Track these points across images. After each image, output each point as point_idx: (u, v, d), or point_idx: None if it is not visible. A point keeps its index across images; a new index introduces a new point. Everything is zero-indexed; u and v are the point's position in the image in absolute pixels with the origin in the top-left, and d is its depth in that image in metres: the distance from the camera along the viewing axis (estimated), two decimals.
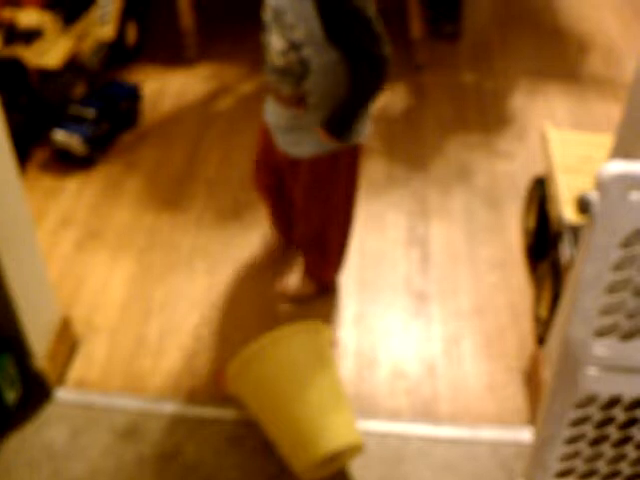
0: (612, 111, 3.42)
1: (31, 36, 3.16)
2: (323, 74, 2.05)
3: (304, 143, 2.21)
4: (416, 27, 3.64)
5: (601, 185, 1.32)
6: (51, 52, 3.18)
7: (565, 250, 2.15)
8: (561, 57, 3.86)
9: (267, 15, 2.04)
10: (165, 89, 3.57)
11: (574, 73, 3.72)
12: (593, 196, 1.35)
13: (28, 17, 3.18)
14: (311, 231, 2.44)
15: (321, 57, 2.02)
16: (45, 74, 3.19)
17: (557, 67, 3.77)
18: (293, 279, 2.63)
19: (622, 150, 1.53)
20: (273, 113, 2.24)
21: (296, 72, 2.05)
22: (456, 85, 3.60)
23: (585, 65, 3.79)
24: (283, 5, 1.97)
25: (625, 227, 1.32)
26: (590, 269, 1.37)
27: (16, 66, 3.15)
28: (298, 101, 2.11)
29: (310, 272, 2.57)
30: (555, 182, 2.31)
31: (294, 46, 1.99)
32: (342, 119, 2.12)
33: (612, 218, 1.32)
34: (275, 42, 2.02)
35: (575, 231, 2.10)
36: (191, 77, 3.65)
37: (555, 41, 3.99)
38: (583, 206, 1.36)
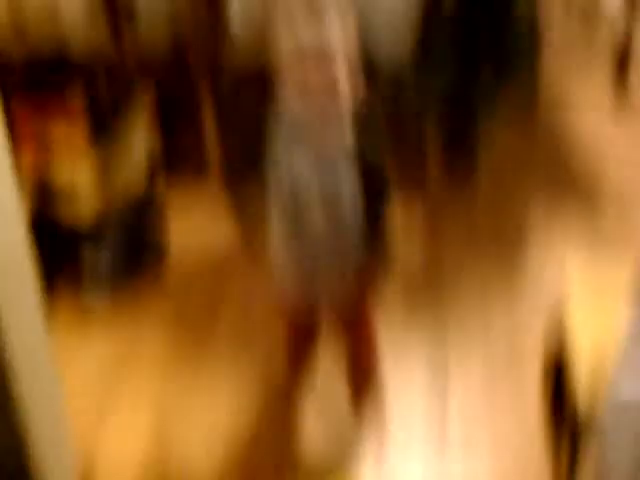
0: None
1: (64, 194, 3.29)
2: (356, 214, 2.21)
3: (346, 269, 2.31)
4: (433, 169, 3.75)
5: None
6: (83, 210, 3.29)
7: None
8: (572, 202, 3.93)
9: (305, 210, 2.18)
10: (190, 242, 3.66)
11: (587, 224, 3.79)
12: None
13: (62, 174, 3.30)
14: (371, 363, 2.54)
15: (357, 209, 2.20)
16: (77, 233, 3.28)
17: (570, 216, 3.84)
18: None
19: None
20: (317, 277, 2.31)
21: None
22: (473, 227, 3.69)
23: (598, 215, 3.85)
24: (334, 191, 2.13)
25: None
26: None
27: (50, 223, 3.26)
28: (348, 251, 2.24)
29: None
30: (572, 361, 2.30)
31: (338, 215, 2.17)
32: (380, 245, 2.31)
33: None
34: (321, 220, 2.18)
35: (590, 419, 2.06)
36: (215, 229, 3.73)
37: (567, 184, 4.08)
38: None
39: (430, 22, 3.25)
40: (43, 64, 3.81)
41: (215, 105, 3.71)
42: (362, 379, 2.56)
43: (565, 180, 4.18)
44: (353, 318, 2.41)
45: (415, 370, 2.86)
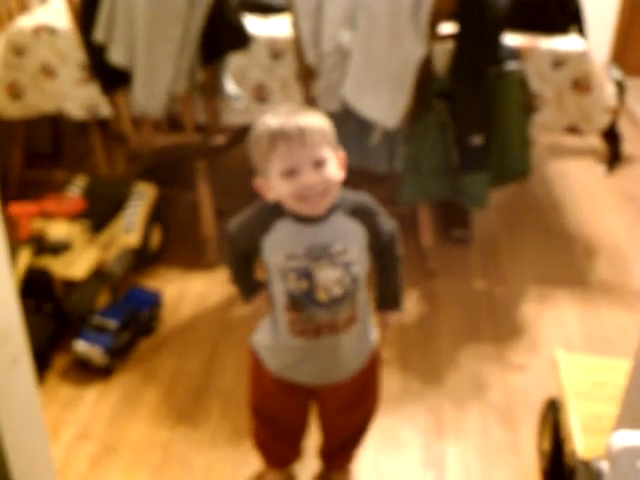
0: (622, 318, 3.48)
1: (59, 248, 3.33)
2: (364, 277, 2.17)
3: (362, 350, 2.27)
4: (427, 235, 3.79)
5: (611, 456, 1.35)
6: (77, 263, 3.33)
7: None
8: (568, 261, 3.98)
9: (299, 263, 2.05)
10: (185, 293, 3.69)
11: (582, 278, 3.82)
12: (603, 465, 1.38)
13: (58, 230, 3.34)
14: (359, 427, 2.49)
15: (364, 263, 2.15)
16: (70, 284, 3.32)
17: (565, 272, 3.88)
18: None
19: (629, 417, 1.57)
20: (325, 355, 2.21)
21: (351, 292, 2.11)
22: (468, 291, 3.70)
23: (592, 270, 3.90)
24: (328, 241, 2.04)
25: None
26: None
27: (43, 276, 3.29)
28: (353, 317, 2.17)
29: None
30: (566, 409, 2.33)
31: (347, 268, 2.08)
32: (400, 292, 2.31)
33: None
34: (328, 275, 2.05)
35: (587, 465, 2.09)
36: (211, 281, 3.78)
37: (562, 244, 4.13)
38: (595, 475, 1.39)
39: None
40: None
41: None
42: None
43: (557, 236, 4.24)
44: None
45: (411, 442, 2.87)
